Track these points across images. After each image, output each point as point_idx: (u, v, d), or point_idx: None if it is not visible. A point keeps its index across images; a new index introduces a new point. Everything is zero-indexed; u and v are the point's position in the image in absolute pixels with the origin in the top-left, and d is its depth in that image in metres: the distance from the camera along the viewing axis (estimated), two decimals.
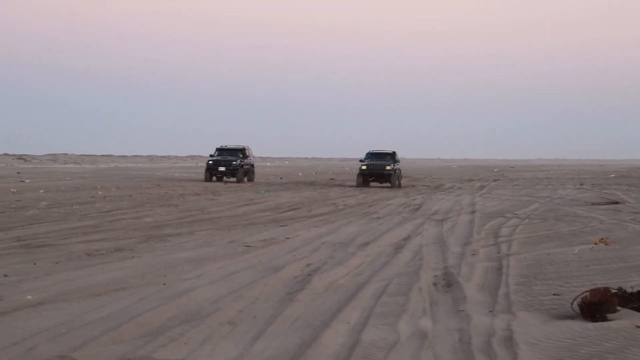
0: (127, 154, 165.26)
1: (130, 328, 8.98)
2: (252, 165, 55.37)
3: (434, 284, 12.54)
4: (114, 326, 9.03)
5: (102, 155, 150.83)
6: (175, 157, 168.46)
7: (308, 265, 14.47)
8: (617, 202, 32.83)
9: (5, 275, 12.58)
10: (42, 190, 38.17)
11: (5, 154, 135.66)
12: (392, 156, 51.07)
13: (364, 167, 50.16)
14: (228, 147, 54.13)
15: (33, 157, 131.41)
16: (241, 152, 53.70)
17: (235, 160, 52.41)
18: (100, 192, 37.66)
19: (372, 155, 51.20)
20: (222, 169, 52.42)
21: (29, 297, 10.69)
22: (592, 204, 32.62)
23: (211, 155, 53.60)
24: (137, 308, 10.13)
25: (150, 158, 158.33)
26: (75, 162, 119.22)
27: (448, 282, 12.65)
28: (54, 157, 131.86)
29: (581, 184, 55.38)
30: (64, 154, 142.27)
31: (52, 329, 8.86)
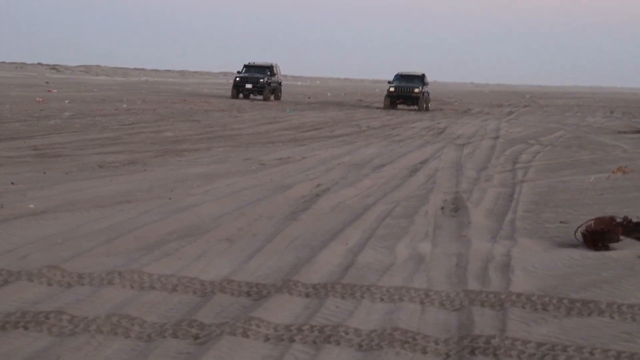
0: (159, 68, 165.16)
1: (127, 241, 8.97)
2: (280, 84, 55.05)
3: (442, 208, 12.43)
4: (110, 238, 9.02)
5: (135, 69, 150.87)
6: (208, 73, 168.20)
7: (318, 185, 14.39)
8: None
9: (12, 183, 12.62)
10: (67, 101, 38.26)
11: (39, 63, 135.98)
12: (421, 79, 50.56)
13: (391, 89, 49.75)
14: (256, 64, 53.77)
15: (66, 67, 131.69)
16: (269, 69, 53.34)
17: (263, 78, 52.12)
18: (124, 105, 37.68)
19: (400, 78, 50.73)
20: (248, 86, 52.18)
21: (32, 205, 10.70)
22: (619, 132, 32.19)
23: (238, 72, 53.32)
24: (138, 221, 10.12)
25: (182, 73, 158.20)
26: (107, 75, 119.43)
27: (456, 207, 12.53)
28: (86, 68, 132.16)
29: (611, 112, 54.66)
30: (97, 65, 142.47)
31: (48, 238, 8.87)
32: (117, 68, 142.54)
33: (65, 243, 8.69)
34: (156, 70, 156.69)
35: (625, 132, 32.14)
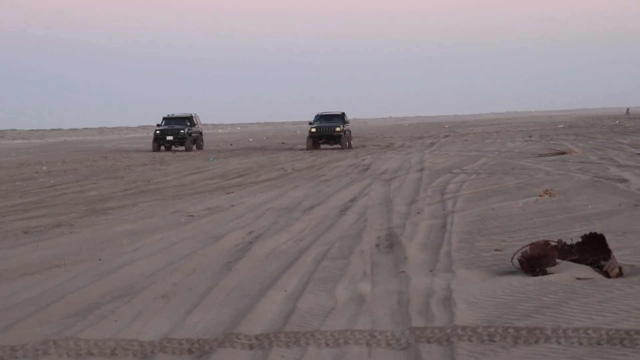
0: (77, 127, 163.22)
1: (60, 307, 8.69)
2: (201, 133, 54.84)
3: (377, 246, 12.37)
4: (42, 306, 8.72)
5: (52, 130, 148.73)
6: (127, 128, 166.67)
7: (250, 232, 14.22)
8: (564, 153, 32.99)
9: None
10: None
11: None
12: (341, 117, 50.91)
13: (313, 130, 49.96)
14: (175, 115, 53.52)
15: None
16: (188, 120, 53.13)
17: (183, 129, 51.86)
18: (44, 167, 37.01)
19: (321, 118, 51.01)
20: (169, 138, 51.85)
21: None
22: (540, 155, 32.73)
23: (158, 125, 52.97)
24: (69, 286, 9.82)
25: (101, 130, 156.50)
26: (23, 138, 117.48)
27: (391, 243, 12.49)
28: (1, 133, 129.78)
29: (530, 136, 55.65)
30: (13, 129, 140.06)
31: None
32: (34, 130, 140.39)
33: None
34: (74, 129, 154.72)
35: (545, 155, 32.69)
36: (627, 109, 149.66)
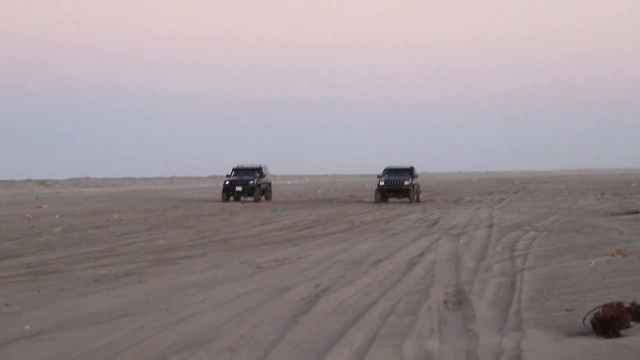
0: (149, 176, 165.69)
1: (127, 358, 8.73)
2: (270, 184, 55.21)
3: (445, 302, 12.22)
4: (109, 356, 8.78)
5: (124, 178, 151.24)
6: (197, 177, 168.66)
7: (317, 285, 14.18)
8: (637, 212, 32.35)
9: (6, 305, 12.37)
10: (58, 216, 38.14)
11: (28, 179, 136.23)
12: (410, 171, 50.84)
13: (382, 183, 49.96)
14: (244, 166, 54.05)
15: (55, 181, 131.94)
16: (258, 171, 53.58)
17: (252, 180, 52.31)
18: (116, 216, 37.56)
19: (390, 171, 51.01)
20: (238, 188, 52.33)
21: (27, 327, 10.46)
22: (612, 214, 32.15)
23: (228, 176, 53.51)
24: (137, 336, 9.88)
25: (172, 179, 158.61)
26: (96, 186, 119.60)
27: (459, 300, 12.32)
28: (76, 182, 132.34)
29: (602, 194, 54.80)
30: (86, 177, 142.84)
31: None
32: (106, 179, 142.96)
33: None
34: (145, 179, 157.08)
35: (618, 214, 32.10)
36: None
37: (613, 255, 16.99)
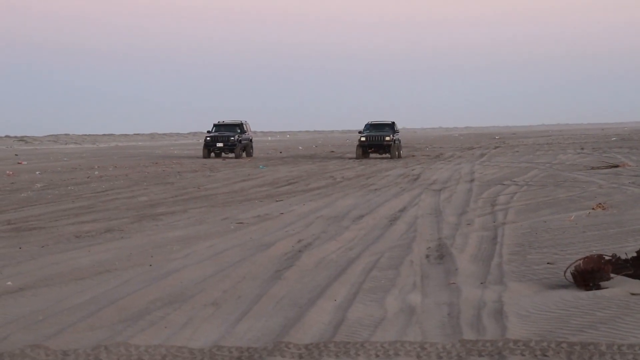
0: (128, 133, 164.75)
1: (110, 313, 8.74)
2: (251, 140, 55.07)
3: (427, 257, 12.29)
4: (93, 311, 8.78)
5: (104, 135, 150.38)
6: (177, 134, 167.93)
7: (299, 241, 14.22)
8: (617, 166, 32.54)
9: None
10: (38, 172, 37.95)
11: (6, 136, 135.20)
12: (391, 127, 50.81)
13: (363, 139, 49.92)
14: (225, 122, 53.84)
15: (34, 138, 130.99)
16: (239, 127, 53.40)
17: (233, 136, 52.14)
18: (96, 172, 37.42)
19: (371, 127, 50.95)
20: (219, 145, 52.17)
21: (9, 282, 10.45)
22: (592, 168, 32.33)
23: (208, 132, 53.33)
24: (120, 291, 9.88)
25: (152, 136, 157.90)
26: (76, 143, 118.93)
27: (441, 254, 12.39)
28: (55, 138, 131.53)
29: (582, 149, 55.04)
30: (66, 134, 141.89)
31: (28, 316, 8.62)
32: (86, 135, 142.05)
33: (46, 320, 8.43)
34: (125, 135, 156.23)
35: (598, 168, 32.27)
36: None
37: (593, 208, 17.11)
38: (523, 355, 6.86)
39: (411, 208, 19.60)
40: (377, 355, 7.00)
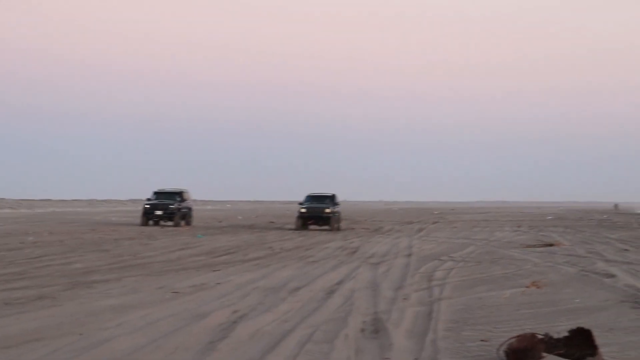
0: (66, 198, 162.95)
1: None
2: (190, 209, 54.77)
3: (362, 330, 12.26)
4: None
5: (41, 200, 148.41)
6: (116, 200, 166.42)
7: (235, 311, 14.10)
8: (552, 245, 33.02)
9: None
10: None
11: None
12: (331, 199, 51.01)
13: (303, 210, 49.99)
14: (165, 190, 53.57)
15: None
16: (178, 195, 53.15)
17: (172, 204, 51.84)
18: (31, 238, 36.81)
19: (311, 198, 51.10)
20: (158, 212, 51.77)
21: None
22: (528, 246, 32.74)
23: (148, 199, 52.97)
24: None
25: (90, 202, 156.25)
26: (11, 207, 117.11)
27: (376, 329, 12.38)
28: None
29: (518, 226, 55.77)
30: (1, 198, 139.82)
31: None
32: (22, 200, 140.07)
33: None
34: (63, 201, 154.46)
35: (534, 246, 32.70)
36: (616, 205, 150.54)
37: (527, 286, 17.30)
38: None
39: (348, 281, 19.60)
40: None
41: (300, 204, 50.95)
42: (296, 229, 49.42)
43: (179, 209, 52.03)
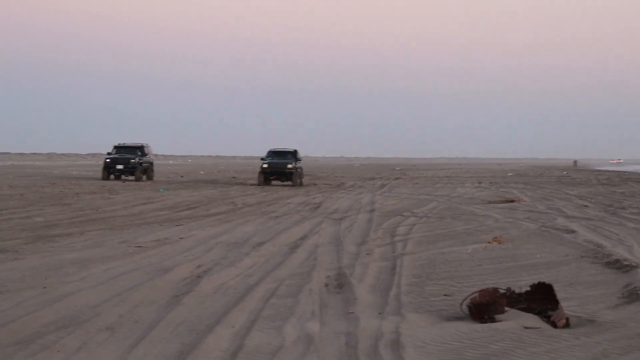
0: (25, 152, 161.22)
1: (1, 335, 8.50)
2: (152, 163, 54.45)
3: (326, 285, 12.32)
4: None
5: None
6: (76, 154, 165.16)
7: (199, 266, 14.09)
8: (512, 201, 33.31)
9: None
10: None
11: None
12: (293, 154, 50.94)
13: (265, 166, 49.90)
14: (126, 144, 53.17)
15: None
16: (139, 149, 52.78)
17: (134, 158, 51.49)
18: None
19: (273, 154, 50.98)
20: (119, 167, 51.43)
21: None
22: (489, 202, 33.01)
23: (109, 153, 52.55)
24: (12, 314, 9.62)
25: (50, 156, 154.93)
26: None
27: (340, 283, 12.45)
28: None
29: (479, 183, 56.17)
30: None
31: None
32: None
33: None
34: (22, 154, 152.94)
35: (495, 202, 32.97)
36: (575, 161, 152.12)
37: (489, 242, 17.46)
38: None
39: (312, 237, 19.65)
40: None
41: (262, 159, 50.84)
42: (258, 185, 49.36)
43: (140, 164, 51.70)
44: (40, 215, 24.48)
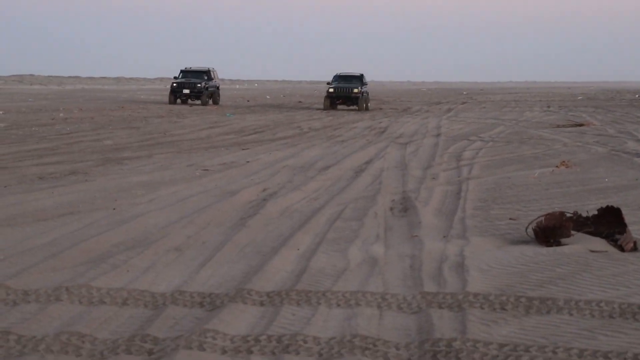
0: (94, 76, 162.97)
1: (73, 255, 8.71)
2: (218, 88, 54.67)
3: (391, 209, 12.34)
4: (55, 252, 8.75)
5: (70, 77, 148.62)
6: (144, 79, 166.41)
7: (265, 189, 14.21)
8: (582, 125, 32.78)
9: None
10: (1, 112, 37.50)
11: None
12: (359, 79, 50.66)
13: (331, 90, 49.75)
14: (192, 69, 53.39)
15: None
16: (206, 74, 52.97)
17: (200, 83, 51.74)
18: (61, 114, 37.05)
19: (339, 78, 50.76)
20: (186, 91, 51.77)
21: None
22: (558, 126, 32.54)
23: (175, 78, 52.86)
24: (83, 234, 9.85)
25: (118, 80, 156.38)
26: (41, 84, 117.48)
27: (405, 207, 12.45)
28: (20, 78, 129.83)
29: (548, 107, 55.31)
30: (31, 74, 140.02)
31: None
32: (52, 77, 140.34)
33: (8, 259, 8.39)
34: (91, 78, 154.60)
35: (563, 126, 32.49)
36: None
37: (557, 166, 17.25)
38: (482, 308, 6.94)
39: (377, 161, 19.64)
40: (339, 305, 7.05)
41: (329, 83, 50.67)
42: (324, 109, 49.31)
43: (206, 88, 51.96)
44: (110, 138, 24.86)
